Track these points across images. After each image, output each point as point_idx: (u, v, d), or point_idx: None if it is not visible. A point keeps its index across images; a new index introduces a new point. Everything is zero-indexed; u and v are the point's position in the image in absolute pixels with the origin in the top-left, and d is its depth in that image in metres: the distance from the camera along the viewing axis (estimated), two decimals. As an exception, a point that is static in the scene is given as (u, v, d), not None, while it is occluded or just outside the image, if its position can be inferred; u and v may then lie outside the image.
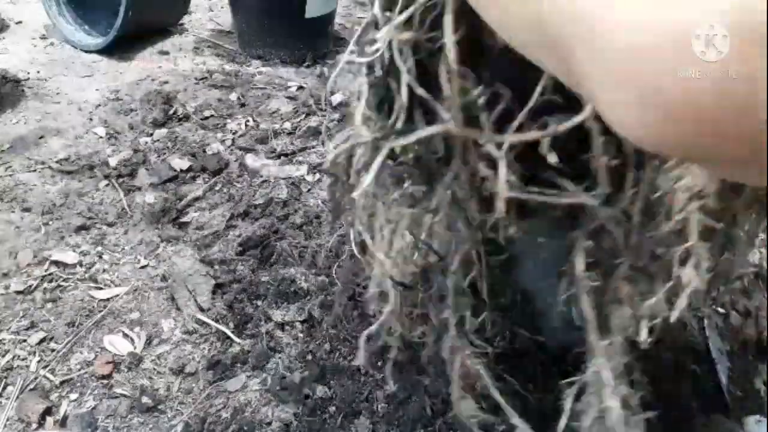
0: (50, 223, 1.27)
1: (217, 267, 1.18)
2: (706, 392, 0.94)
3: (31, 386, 0.95)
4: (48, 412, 0.91)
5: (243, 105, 1.76)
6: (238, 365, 0.99)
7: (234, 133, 1.62)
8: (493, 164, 0.47)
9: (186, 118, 1.66)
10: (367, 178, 0.51)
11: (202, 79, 1.90)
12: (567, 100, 0.44)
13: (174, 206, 1.33)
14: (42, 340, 1.02)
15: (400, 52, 0.45)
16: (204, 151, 1.52)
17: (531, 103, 0.45)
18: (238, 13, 2.09)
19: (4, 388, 0.94)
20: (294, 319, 1.05)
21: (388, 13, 0.45)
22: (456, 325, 0.59)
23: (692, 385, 0.95)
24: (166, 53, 2.05)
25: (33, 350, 1.00)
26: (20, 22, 2.18)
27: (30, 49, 2.02)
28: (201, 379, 0.97)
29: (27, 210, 1.30)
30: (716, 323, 1.06)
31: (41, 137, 1.56)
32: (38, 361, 0.98)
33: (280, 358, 0.98)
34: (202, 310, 1.08)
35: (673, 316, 0.49)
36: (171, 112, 1.65)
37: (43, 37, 2.09)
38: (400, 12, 0.44)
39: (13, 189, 1.36)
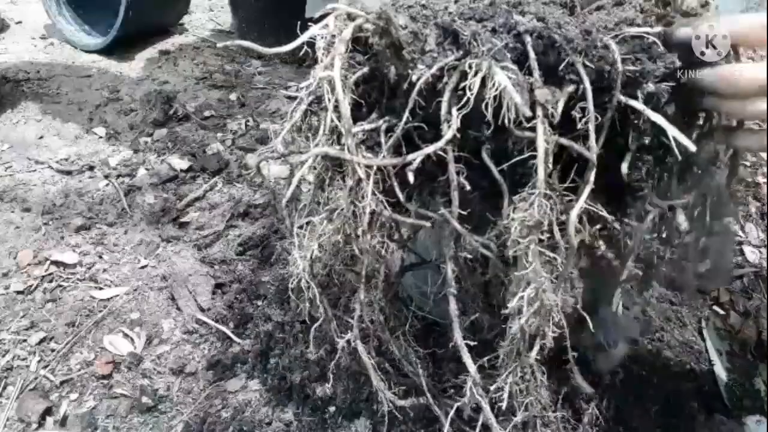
0: (50, 223, 1.27)
1: (217, 267, 1.18)
2: (706, 392, 0.94)
3: (31, 386, 0.95)
4: (48, 412, 0.91)
5: (243, 105, 1.76)
6: (238, 365, 0.99)
7: (234, 133, 1.62)
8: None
9: (186, 118, 1.66)
10: (288, 191, 0.63)
11: (202, 79, 1.90)
12: (436, 132, 0.53)
13: (174, 206, 1.33)
14: (42, 340, 1.02)
15: (330, 91, 0.55)
16: (204, 151, 1.52)
17: (397, 131, 0.55)
18: (238, 12, 2.09)
19: (4, 388, 0.94)
20: (294, 319, 1.04)
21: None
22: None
23: (692, 385, 0.95)
24: (166, 53, 2.04)
25: (33, 350, 1.00)
26: (20, 22, 2.18)
27: (30, 49, 2.02)
28: (201, 379, 0.97)
29: (27, 210, 1.30)
30: (716, 323, 1.06)
31: (41, 137, 1.56)
32: (38, 361, 0.98)
33: (280, 358, 0.98)
34: (202, 310, 1.09)
35: (514, 327, 0.56)
36: (171, 112, 1.65)
37: (43, 37, 2.09)
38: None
39: (13, 189, 1.36)
